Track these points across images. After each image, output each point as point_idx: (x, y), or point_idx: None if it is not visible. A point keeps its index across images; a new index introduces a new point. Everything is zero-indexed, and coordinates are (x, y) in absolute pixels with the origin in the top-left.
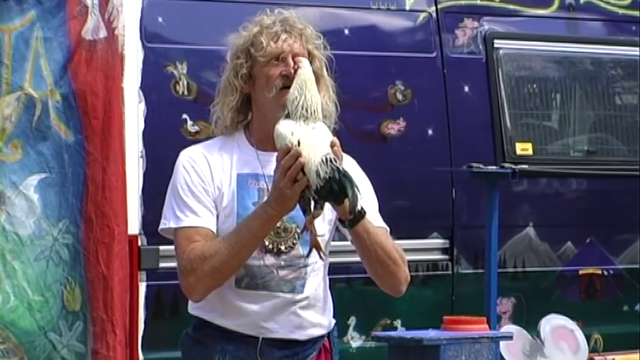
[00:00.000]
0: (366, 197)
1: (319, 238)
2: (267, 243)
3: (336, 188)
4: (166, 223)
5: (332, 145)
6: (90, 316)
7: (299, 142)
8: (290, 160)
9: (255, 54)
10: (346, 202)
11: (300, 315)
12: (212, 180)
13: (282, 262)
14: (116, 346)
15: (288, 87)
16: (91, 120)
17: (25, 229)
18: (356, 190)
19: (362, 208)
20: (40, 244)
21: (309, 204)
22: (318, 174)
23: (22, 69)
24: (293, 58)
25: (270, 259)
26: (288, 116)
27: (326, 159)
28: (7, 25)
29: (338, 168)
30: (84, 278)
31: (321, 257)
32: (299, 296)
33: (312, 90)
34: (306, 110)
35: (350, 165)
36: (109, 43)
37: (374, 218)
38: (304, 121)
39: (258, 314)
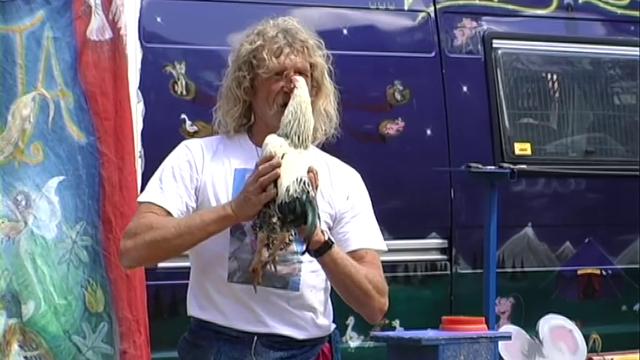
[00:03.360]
0: (364, 215)
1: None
2: None
3: (298, 210)
4: (140, 196)
5: (309, 171)
6: (115, 316)
7: (283, 156)
8: (268, 167)
9: (257, 70)
10: (303, 228)
11: (295, 313)
12: (202, 170)
13: (276, 257)
14: (142, 344)
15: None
16: (103, 121)
17: (49, 233)
18: (316, 220)
19: (329, 239)
20: (61, 247)
21: (268, 221)
22: (287, 189)
23: (36, 69)
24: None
25: (263, 254)
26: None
27: (300, 179)
28: (18, 24)
29: (308, 192)
30: (105, 279)
31: (254, 286)
32: (292, 294)
33: (307, 114)
34: (298, 138)
35: (353, 179)
36: (115, 44)
37: (371, 239)
38: (295, 147)
39: (252, 308)
